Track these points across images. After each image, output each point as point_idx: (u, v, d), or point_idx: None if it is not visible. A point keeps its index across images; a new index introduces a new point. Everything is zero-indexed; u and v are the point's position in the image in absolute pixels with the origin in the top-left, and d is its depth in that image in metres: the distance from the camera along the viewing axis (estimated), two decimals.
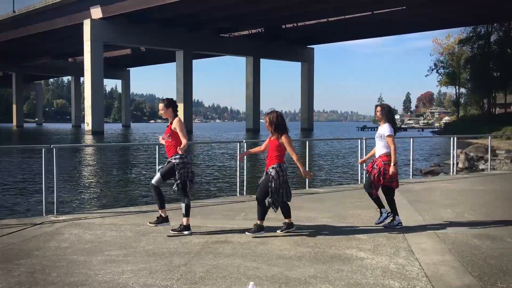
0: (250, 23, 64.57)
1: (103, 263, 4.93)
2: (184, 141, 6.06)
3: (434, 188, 10.51)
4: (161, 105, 6.28)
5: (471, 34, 63.28)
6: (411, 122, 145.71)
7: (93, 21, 58.07)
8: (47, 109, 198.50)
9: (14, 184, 16.47)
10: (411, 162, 13.13)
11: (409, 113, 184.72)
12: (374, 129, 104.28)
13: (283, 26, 66.15)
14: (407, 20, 57.25)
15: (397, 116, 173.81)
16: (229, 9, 53.25)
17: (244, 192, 9.81)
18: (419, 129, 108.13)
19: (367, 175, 6.67)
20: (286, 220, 6.24)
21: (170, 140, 6.17)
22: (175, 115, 6.22)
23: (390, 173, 6.33)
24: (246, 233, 5.98)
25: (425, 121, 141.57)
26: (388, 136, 6.40)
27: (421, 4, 50.62)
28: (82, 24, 58.61)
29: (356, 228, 6.53)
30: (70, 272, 4.60)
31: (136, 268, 4.75)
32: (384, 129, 6.47)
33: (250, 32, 69.62)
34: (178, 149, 6.04)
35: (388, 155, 6.39)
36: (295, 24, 64.45)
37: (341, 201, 8.79)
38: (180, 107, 68.25)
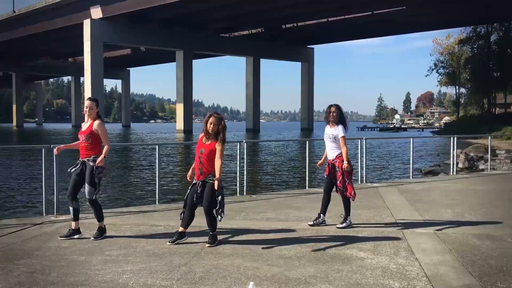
0: (250, 23, 64.57)
1: (103, 263, 4.93)
2: (107, 146, 5.97)
3: (434, 188, 10.51)
4: (92, 103, 5.98)
5: (471, 34, 63.30)
6: (411, 122, 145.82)
7: (93, 21, 58.06)
8: (47, 109, 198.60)
9: (14, 184, 16.47)
10: (411, 162, 13.13)
11: (409, 113, 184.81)
12: (375, 129, 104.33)
13: (283, 26, 66.14)
14: (407, 20, 57.24)
15: (397, 116, 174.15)
16: (229, 9, 53.25)
17: (244, 192, 9.81)
18: (419, 129, 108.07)
19: (327, 179, 6.74)
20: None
21: (89, 142, 5.92)
22: (98, 117, 6.03)
23: (346, 167, 6.48)
24: (168, 243, 5.61)
25: (425, 121, 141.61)
26: (342, 137, 6.54)
27: (421, 4, 50.64)
28: (82, 24, 58.60)
29: (356, 228, 6.53)
30: (70, 272, 4.60)
31: (136, 268, 4.75)
32: (338, 130, 6.56)
33: (250, 32, 69.61)
34: (102, 156, 5.84)
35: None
36: (295, 24, 64.45)
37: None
38: (180, 107, 68.34)
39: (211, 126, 5.53)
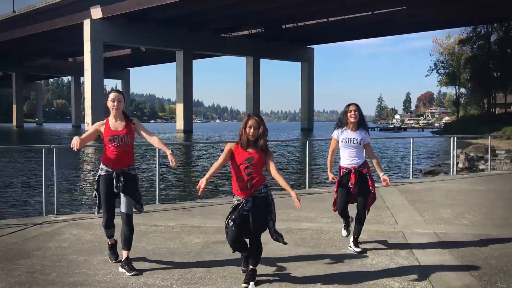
0: (250, 23, 64.57)
1: (103, 263, 4.93)
2: (157, 137, 4.96)
3: (434, 188, 10.50)
4: (120, 96, 4.87)
5: (471, 34, 63.32)
6: (411, 122, 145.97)
7: (93, 21, 58.07)
8: (47, 109, 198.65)
9: (14, 184, 16.47)
10: (411, 162, 13.13)
11: (409, 113, 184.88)
12: (375, 129, 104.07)
13: (283, 26, 66.15)
14: (407, 20, 57.27)
15: (397, 116, 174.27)
16: (229, 9, 53.26)
17: None
18: (419, 129, 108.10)
19: (344, 192, 5.42)
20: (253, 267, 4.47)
21: (129, 145, 4.83)
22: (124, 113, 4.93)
23: (386, 180, 5.44)
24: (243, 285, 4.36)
25: (425, 121, 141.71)
26: (369, 142, 5.56)
27: (421, 4, 50.63)
28: (82, 24, 58.61)
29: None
30: (70, 272, 4.60)
31: (136, 268, 4.75)
32: (365, 134, 5.49)
33: (250, 32, 69.62)
34: (171, 159, 4.72)
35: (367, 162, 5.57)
36: (295, 24, 64.44)
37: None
38: (180, 107, 68.34)
39: (251, 130, 4.40)
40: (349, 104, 5.46)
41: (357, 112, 5.38)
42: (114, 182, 4.72)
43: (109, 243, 5.08)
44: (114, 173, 4.74)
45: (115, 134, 4.75)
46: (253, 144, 4.45)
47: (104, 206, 4.85)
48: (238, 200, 4.38)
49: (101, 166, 4.85)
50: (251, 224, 4.36)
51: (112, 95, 4.82)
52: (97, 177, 4.88)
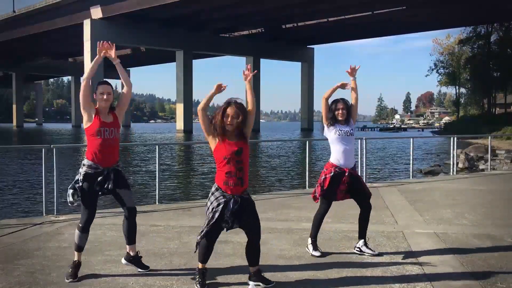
0: (250, 23, 64.59)
1: (103, 263, 4.93)
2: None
3: (434, 188, 10.50)
4: (110, 88, 4.60)
5: (471, 34, 63.34)
6: (411, 122, 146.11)
7: (93, 21, 58.06)
8: (47, 109, 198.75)
9: (14, 184, 16.47)
10: (411, 162, 13.13)
11: (409, 113, 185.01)
12: (375, 129, 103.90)
13: (283, 26, 66.16)
14: (407, 20, 57.27)
15: (397, 116, 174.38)
16: (229, 9, 53.27)
17: None
18: (419, 129, 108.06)
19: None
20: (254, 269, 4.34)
21: (118, 138, 4.60)
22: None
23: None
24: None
25: (425, 121, 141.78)
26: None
27: (421, 4, 50.65)
28: (82, 24, 58.62)
29: (356, 228, 6.51)
30: None
31: (136, 268, 4.74)
32: (352, 123, 5.23)
33: (250, 32, 69.64)
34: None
35: None
36: (295, 24, 64.46)
37: (342, 201, 8.75)
38: (180, 107, 68.32)
39: (230, 119, 4.07)
40: (337, 101, 5.16)
41: (344, 111, 5.11)
42: (106, 181, 4.40)
43: (76, 259, 4.49)
44: (105, 171, 4.40)
45: (105, 126, 4.44)
46: (235, 134, 4.12)
47: (88, 205, 4.42)
48: (225, 196, 4.04)
49: (87, 162, 4.41)
50: (252, 230, 4.24)
51: (101, 88, 4.53)
52: (82, 175, 4.39)
